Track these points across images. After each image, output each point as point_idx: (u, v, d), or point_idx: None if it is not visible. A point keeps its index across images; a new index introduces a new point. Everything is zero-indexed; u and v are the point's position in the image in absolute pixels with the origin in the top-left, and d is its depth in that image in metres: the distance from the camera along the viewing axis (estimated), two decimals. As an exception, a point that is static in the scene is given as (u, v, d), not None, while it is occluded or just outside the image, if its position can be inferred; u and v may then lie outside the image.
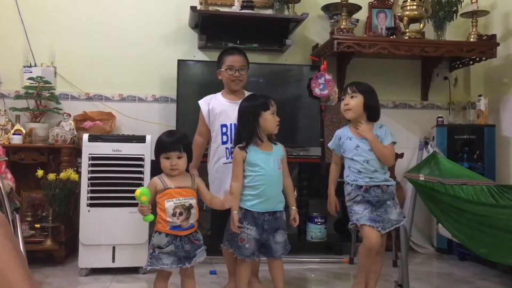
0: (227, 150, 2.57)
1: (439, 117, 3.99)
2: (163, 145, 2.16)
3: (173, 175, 2.15)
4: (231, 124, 2.59)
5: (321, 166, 3.75)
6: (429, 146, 3.49)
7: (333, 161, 2.63)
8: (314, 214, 3.73)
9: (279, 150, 2.42)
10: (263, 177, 2.31)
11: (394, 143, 2.50)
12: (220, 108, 2.64)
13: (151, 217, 2.08)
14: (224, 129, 2.59)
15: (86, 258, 2.93)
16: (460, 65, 4.08)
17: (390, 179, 2.46)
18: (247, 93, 2.74)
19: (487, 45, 3.72)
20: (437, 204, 2.42)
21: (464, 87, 4.26)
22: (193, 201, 2.14)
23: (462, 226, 2.22)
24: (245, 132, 2.35)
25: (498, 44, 3.74)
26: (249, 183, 2.32)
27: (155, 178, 2.18)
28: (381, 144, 2.42)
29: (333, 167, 2.62)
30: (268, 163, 2.34)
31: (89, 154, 2.95)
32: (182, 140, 2.19)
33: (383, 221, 2.37)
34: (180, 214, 2.10)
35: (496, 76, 4.00)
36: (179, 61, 3.67)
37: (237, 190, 2.30)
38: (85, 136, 3.00)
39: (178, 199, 2.11)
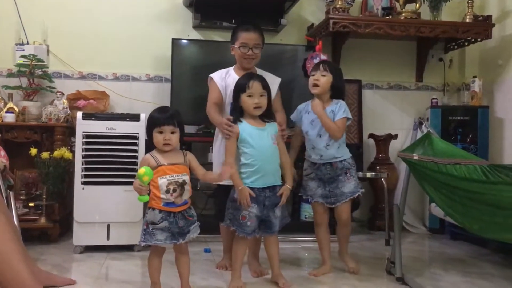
0: None
1: (433, 98, 4.00)
2: (156, 120, 2.15)
3: (166, 150, 2.14)
4: None
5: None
6: (423, 126, 3.51)
7: (294, 134, 2.75)
8: (302, 195, 3.74)
9: (272, 126, 2.42)
10: (257, 152, 2.32)
11: (348, 119, 2.56)
12: (232, 86, 2.57)
13: (146, 198, 2.06)
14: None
15: (81, 236, 2.94)
16: (455, 47, 4.07)
17: (342, 154, 2.55)
18: (259, 71, 2.73)
19: (482, 26, 3.72)
20: (430, 182, 2.43)
21: (458, 68, 4.26)
22: (186, 178, 2.14)
23: (455, 203, 2.24)
24: (235, 110, 2.41)
25: (493, 25, 3.74)
26: (245, 160, 2.32)
27: (147, 155, 2.17)
28: (328, 119, 2.51)
29: (293, 140, 2.73)
30: (262, 138, 2.34)
31: (83, 132, 2.94)
32: (176, 115, 2.18)
33: (335, 195, 2.55)
34: (174, 190, 2.10)
35: (490, 58, 4.00)
36: (173, 40, 3.65)
37: (233, 164, 2.31)
38: (79, 114, 2.99)
39: (172, 176, 2.10)
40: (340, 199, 2.54)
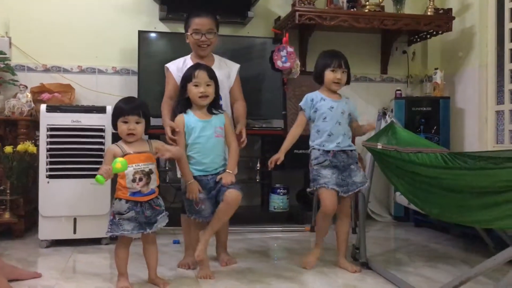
0: None
1: (397, 90, 4.10)
2: (122, 109, 2.14)
3: (130, 140, 2.14)
4: None
5: (283, 138, 3.78)
6: (387, 116, 3.60)
7: (297, 124, 2.61)
8: (277, 185, 3.80)
9: (219, 118, 2.43)
10: (198, 145, 2.36)
11: None
12: None
13: (104, 180, 1.98)
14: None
15: (47, 230, 2.90)
16: (418, 39, 4.18)
17: (352, 144, 2.60)
18: (217, 58, 2.72)
19: (443, 19, 3.83)
20: (393, 170, 2.51)
21: (421, 60, 4.38)
22: (153, 166, 2.14)
23: (416, 190, 2.32)
24: (182, 100, 2.42)
25: (453, 18, 3.86)
26: (188, 152, 2.37)
27: (113, 145, 2.17)
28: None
29: (294, 129, 2.61)
30: (204, 131, 2.36)
31: (48, 125, 2.90)
32: (141, 106, 2.18)
33: (347, 184, 2.50)
34: (140, 179, 2.09)
35: (451, 50, 4.12)
36: (139, 32, 3.62)
37: (181, 152, 2.33)
38: (43, 107, 2.94)
39: (138, 165, 2.09)
40: (351, 189, 2.50)
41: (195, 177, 2.35)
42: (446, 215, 2.14)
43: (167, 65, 2.67)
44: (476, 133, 3.82)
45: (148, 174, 2.12)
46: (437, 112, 3.90)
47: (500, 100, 3.71)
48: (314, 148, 2.55)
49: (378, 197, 4.12)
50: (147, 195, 2.12)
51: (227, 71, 2.69)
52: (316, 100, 2.55)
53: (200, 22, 2.58)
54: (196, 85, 2.35)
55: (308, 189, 2.60)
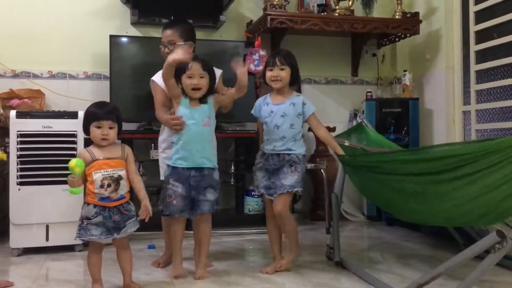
0: None
1: (368, 92, 4.18)
2: (95, 114, 2.12)
3: (103, 145, 2.12)
4: None
5: (257, 141, 3.82)
6: (358, 117, 3.67)
7: (257, 131, 2.77)
8: (251, 187, 3.80)
9: (207, 108, 2.44)
10: (184, 130, 2.37)
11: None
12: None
13: (78, 190, 2.04)
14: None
15: (18, 238, 2.85)
16: (387, 42, 4.28)
17: (296, 148, 2.51)
18: None
19: (411, 22, 3.94)
20: (355, 167, 2.57)
21: (391, 63, 4.47)
22: (122, 172, 2.12)
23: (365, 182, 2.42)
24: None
25: (420, 21, 3.96)
26: (174, 138, 2.40)
27: (83, 150, 2.15)
28: (336, 144, 2.60)
29: (256, 133, 2.75)
30: (192, 118, 2.37)
31: (17, 131, 2.85)
32: (115, 110, 2.17)
33: (275, 187, 2.48)
34: (109, 185, 2.07)
35: (419, 52, 4.23)
36: (111, 36, 3.59)
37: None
38: (13, 113, 2.89)
39: (106, 171, 2.08)
40: (278, 191, 2.46)
41: (176, 168, 2.36)
42: (390, 209, 2.23)
43: (153, 78, 2.66)
44: (444, 133, 3.93)
45: (117, 180, 2.09)
46: (407, 113, 3.99)
47: (466, 100, 3.82)
48: (259, 149, 2.62)
49: (351, 197, 4.18)
50: (115, 200, 2.10)
51: None
52: (261, 106, 2.60)
53: (164, 34, 2.65)
54: (189, 77, 2.36)
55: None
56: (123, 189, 2.12)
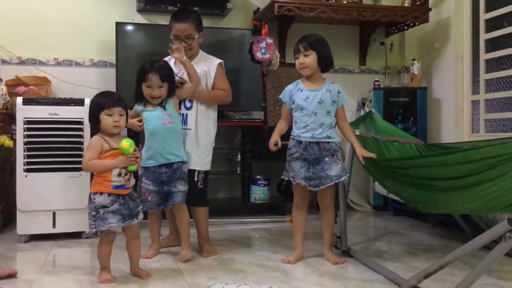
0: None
1: (375, 81, 4.14)
2: (105, 103, 2.12)
3: (115, 132, 2.12)
4: None
5: (263, 130, 3.81)
6: (366, 106, 3.65)
7: (282, 117, 2.57)
8: (258, 176, 3.81)
9: (167, 106, 2.48)
10: (148, 132, 2.47)
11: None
12: (179, 72, 2.64)
13: (135, 166, 2.13)
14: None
15: (25, 225, 2.85)
16: (396, 31, 4.23)
17: (334, 136, 2.45)
18: (200, 55, 2.72)
19: (420, 10, 3.89)
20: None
21: (399, 52, 4.43)
22: None
23: (387, 176, 2.39)
24: (137, 92, 2.50)
25: (430, 9, 3.91)
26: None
27: (99, 138, 2.12)
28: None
29: (280, 122, 2.57)
30: (153, 120, 2.45)
31: (24, 118, 2.84)
32: (123, 99, 2.18)
33: (319, 178, 2.40)
34: (126, 174, 2.11)
35: (428, 41, 4.18)
36: (117, 24, 3.57)
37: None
38: (19, 99, 2.88)
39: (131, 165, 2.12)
40: (324, 182, 2.38)
41: (148, 168, 2.46)
42: (415, 201, 2.21)
43: None
44: (453, 122, 3.90)
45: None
46: (415, 102, 3.96)
47: (475, 90, 3.78)
48: (291, 138, 2.50)
49: (357, 187, 4.17)
50: (127, 188, 2.13)
51: (205, 68, 2.69)
52: (294, 92, 2.47)
53: (179, 27, 2.60)
54: (149, 86, 2.43)
55: (282, 176, 2.56)
56: (133, 178, 2.17)
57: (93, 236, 2.91)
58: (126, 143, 2.08)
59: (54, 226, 2.89)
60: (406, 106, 3.96)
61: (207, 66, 2.71)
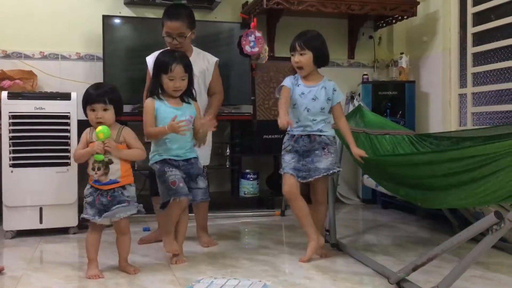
0: None
1: (364, 74, 4.15)
2: (89, 97, 2.11)
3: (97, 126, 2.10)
4: None
5: (252, 124, 3.80)
6: (355, 100, 3.65)
7: (283, 98, 2.41)
8: (247, 170, 3.80)
9: (190, 108, 2.42)
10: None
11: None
12: None
13: (101, 156, 2.06)
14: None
15: (11, 221, 2.83)
16: (384, 24, 4.23)
17: (327, 129, 2.43)
18: (195, 52, 2.69)
19: (408, 4, 3.89)
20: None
21: (387, 45, 4.43)
22: (114, 158, 2.11)
23: (381, 171, 2.39)
24: (154, 86, 2.38)
25: (418, 3, 3.92)
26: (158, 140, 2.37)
27: (87, 130, 2.16)
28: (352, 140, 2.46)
29: (283, 101, 2.40)
30: (178, 117, 2.32)
31: (10, 112, 2.81)
32: (108, 92, 2.14)
33: (308, 170, 2.38)
34: (98, 169, 2.08)
35: (416, 35, 4.20)
36: (104, 17, 3.52)
37: (152, 128, 2.34)
38: (4, 94, 2.84)
39: (97, 154, 2.07)
40: (313, 175, 2.36)
41: (166, 160, 2.35)
42: (413, 198, 2.21)
43: (147, 58, 2.68)
44: (440, 116, 3.92)
45: (107, 164, 2.09)
46: (403, 96, 3.98)
47: (463, 83, 3.81)
48: (287, 133, 2.48)
49: (346, 180, 4.18)
50: (105, 184, 2.09)
51: (204, 66, 2.69)
52: (294, 83, 2.44)
53: (171, 25, 2.55)
54: (171, 79, 2.32)
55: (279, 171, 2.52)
56: (115, 174, 2.11)
57: (80, 232, 2.90)
58: (99, 129, 2.05)
59: (41, 221, 2.87)
60: (394, 99, 3.98)
61: (205, 64, 2.70)
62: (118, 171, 2.12)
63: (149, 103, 2.36)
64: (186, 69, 2.35)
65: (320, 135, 2.40)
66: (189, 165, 2.39)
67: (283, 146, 2.49)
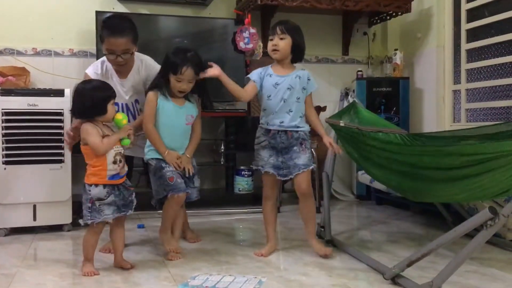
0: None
1: (358, 71, 4.15)
2: (111, 95, 2.16)
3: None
4: (122, 104, 2.56)
5: (247, 120, 3.80)
6: (349, 96, 3.65)
7: (245, 88, 2.40)
8: (241, 167, 3.80)
9: (191, 107, 2.40)
10: (168, 129, 2.34)
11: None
12: (119, 85, 2.53)
13: (127, 141, 2.13)
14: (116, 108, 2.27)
15: (5, 218, 2.80)
16: (378, 21, 4.23)
17: (303, 125, 2.40)
18: (136, 63, 2.54)
19: (402, 0, 3.89)
20: (355, 146, 2.56)
21: (381, 42, 4.44)
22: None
23: (375, 165, 2.39)
24: (160, 81, 2.34)
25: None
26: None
27: (92, 125, 2.08)
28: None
29: (244, 90, 2.40)
30: (177, 116, 2.34)
31: (2, 109, 2.78)
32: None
33: (288, 167, 2.36)
34: (120, 161, 2.10)
35: (410, 31, 4.20)
36: (97, 12, 3.50)
37: (154, 131, 2.33)
38: (-4, 90, 2.82)
39: (117, 147, 2.11)
40: (293, 171, 2.35)
41: (162, 159, 2.34)
42: (404, 190, 2.22)
43: (86, 70, 2.57)
44: (434, 112, 3.93)
45: (124, 156, 2.15)
46: (397, 92, 3.99)
47: (456, 80, 3.82)
48: (260, 126, 2.44)
49: (340, 177, 4.19)
50: (122, 177, 2.13)
51: (144, 76, 2.55)
52: (264, 75, 2.39)
53: (115, 42, 2.35)
54: (179, 81, 2.29)
55: (251, 165, 2.51)
56: (125, 165, 2.17)
57: (74, 229, 2.89)
58: (120, 115, 2.13)
59: (34, 219, 2.84)
60: (388, 96, 3.99)
61: (145, 74, 2.55)
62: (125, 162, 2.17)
63: (152, 96, 2.34)
64: (196, 72, 2.29)
65: (297, 131, 2.37)
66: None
67: (256, 140, 2.44)
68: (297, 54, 2.39)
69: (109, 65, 2.52)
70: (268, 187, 2.45)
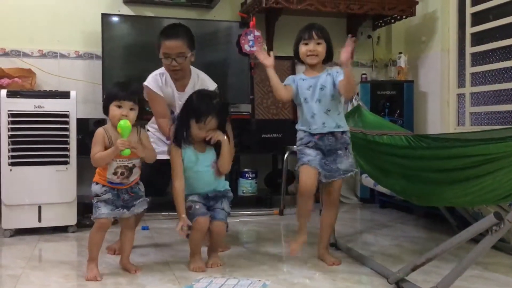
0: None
1: (363, 74, 4.16)
2: (119, 93, 2.05)
3: None
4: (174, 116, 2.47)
5: (251, 122, 3.81)
6: (353, 99, 3.64)
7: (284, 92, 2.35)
8: (245, 169, 3.80)
9: (212, 152, 2.31)
10: (194, 175, 2.26)
11: None
12: (174, 95, 2.49)
13: (127, 151, 2.00)
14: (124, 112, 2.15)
15: (10, 219, 2.82)
16: (383, 24, 4.24)
17: (343, 125, 2.36)
18: (193, 76, 2.52)
19: (407, 4, 3.91)
20: (359, 151, 2.56)
21: (386, 45, 4.44)
22: (137, 161, 2.10)
23: (379, 169, 2.39)
24: (181, 131, 2.26)
25: (417, 3, 3.93)
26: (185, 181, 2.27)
27: (102, 130, 2.06)
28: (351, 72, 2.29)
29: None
30: (201, 163, 2.26)
31: (8, 111, 2.80)
32: (138, 93, 2.14)
33: (330, 170, 2.30)
34: (122, 174, 2.06)
35: (415, 35, 4.20)
36: (103, 15, 3.53)
37: (182, 189, 2.24)
38: (3, 92, 2.83)
39: (122, 161, 2.05)
40: (335, 175, 2.30)
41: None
42: (408, 194, 2.22)
43: (146, 83, 2.48)
44: (439, 115, 3.93)
45: (131, 169, 2.08)
46: (401, 95, 3.99)
47: (461, 83, 3.82)
48: (299, 130, 2.38)
49: (345, 179, 4.16)
50: (124, 185, 2.10)
51: None
52: (297, 80, 2.35)
53: (170, 45, 2.37)
54: (200, 128, 2.21)
55: (295, 168, 2.39)
56: (134, 176, 2.12)
57: (79, 230, 2.91)
58: (123, 123, 1.98)
59: (40, 220, 2.86)
60: (392, 99, 3.99)
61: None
62: (136, 174, 2.12)
63: (175, 152, 2.25)
64: (220, 124, 2.23)
65: (342, 133, 2.32)
66: (213, 197, 2.29)
67: (300, 141, 2.36)
68: (329, 55, 2.39)
69: (168, 77, 2.48)
70: (308, 180, 2.26)
